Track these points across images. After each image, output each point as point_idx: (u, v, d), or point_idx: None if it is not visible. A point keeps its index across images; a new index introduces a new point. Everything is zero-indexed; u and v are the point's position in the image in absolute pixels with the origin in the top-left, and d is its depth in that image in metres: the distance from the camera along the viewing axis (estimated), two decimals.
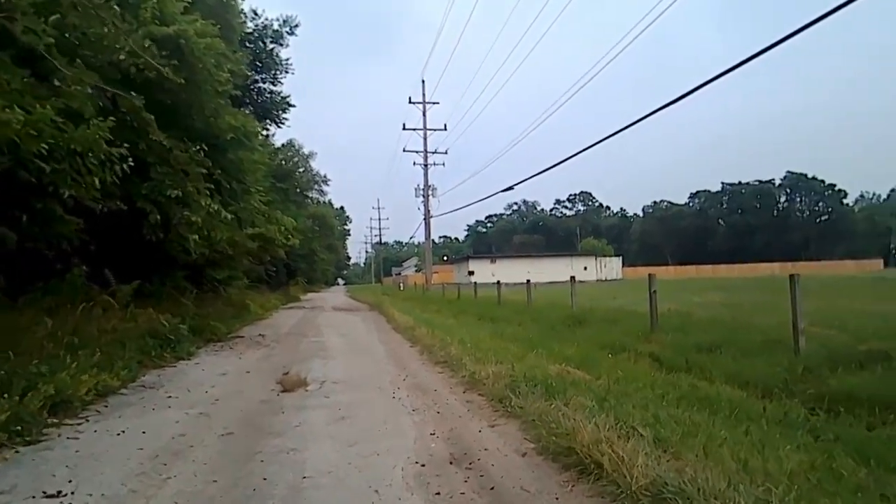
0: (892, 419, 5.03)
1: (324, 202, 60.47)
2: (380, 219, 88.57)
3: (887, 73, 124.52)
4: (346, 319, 19.05)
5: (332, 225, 59.99)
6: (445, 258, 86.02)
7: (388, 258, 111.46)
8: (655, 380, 6.51)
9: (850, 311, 10.86)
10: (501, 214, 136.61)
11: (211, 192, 11.76)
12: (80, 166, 7.63)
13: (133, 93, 10.11)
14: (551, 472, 3.72)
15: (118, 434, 4.83)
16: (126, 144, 8.16)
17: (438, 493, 3.40)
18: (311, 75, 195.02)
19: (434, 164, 37.16)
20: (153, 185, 10.61)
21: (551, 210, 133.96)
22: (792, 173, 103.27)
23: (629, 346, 9.54)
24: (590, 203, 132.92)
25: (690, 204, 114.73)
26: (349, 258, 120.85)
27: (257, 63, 29.14)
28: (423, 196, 37.25)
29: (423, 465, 3.89)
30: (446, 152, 37.31)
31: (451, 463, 3.94)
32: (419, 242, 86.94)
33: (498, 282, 21.50)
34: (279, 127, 31.53)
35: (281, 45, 29.68)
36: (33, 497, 3.44)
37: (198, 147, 10.87)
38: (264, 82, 30.77)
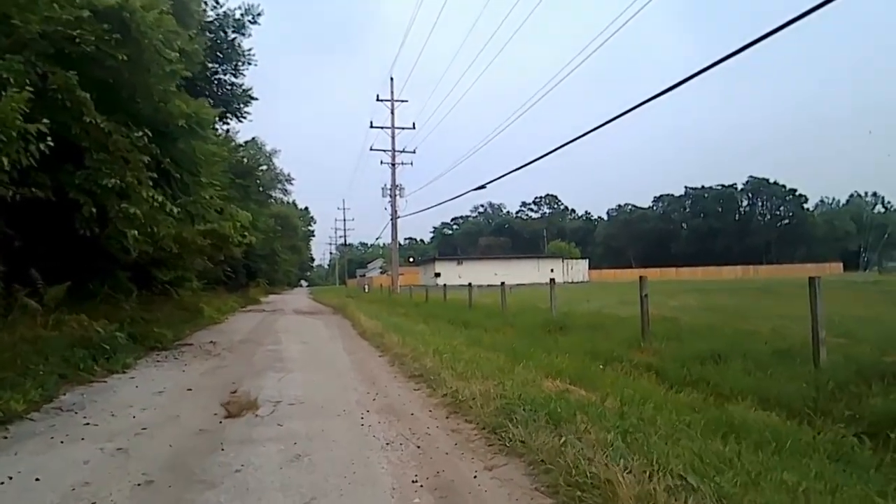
0: None
1: (288, 202, 58.74)
2: (345, 220, 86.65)
3: (849, 82, 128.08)
4: (308, 324, 17.82)
5: (295, 225, 58.30)
6: (412, 259, 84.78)
7: (352, 260, 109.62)
8: (667, 399, 5.64)
9: (848, 317, 10.23)
10: (467, 216, 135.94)
11: (156, 183, 10.51)
12: None
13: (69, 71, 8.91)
14: None
15: (0, 483, 3.69)
16: (45, 120, 6.91)
17: None
18: (275, 75, 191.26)
19: (402, 163, 36.12)
20: (88, 174, 9.33)
21: (517, 212, 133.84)
22: (754, 178, 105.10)
23: (621, 356, 8.70)
24: (555, 206, 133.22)
25: (654, 207, 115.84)
26: (313, 259, 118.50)
27: (218, 53, 27.74)
28: (391, 195, 36.16)
29: None
30: (414, 151, 36.24)
31: None
32: (384, 244, 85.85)
33: (469, 284, 20.54)
34: (240, 121, 30.21)
35: (243, 34, 28.27)
36: None
37: (140, 133, 9.60)
38: (225, 73, 29.37)
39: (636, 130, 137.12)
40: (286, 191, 54.48)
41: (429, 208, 54.37)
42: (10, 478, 3.78)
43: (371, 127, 35.88)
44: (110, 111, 9.88)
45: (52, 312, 8.76)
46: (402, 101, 35.88)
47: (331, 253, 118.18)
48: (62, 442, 4.66)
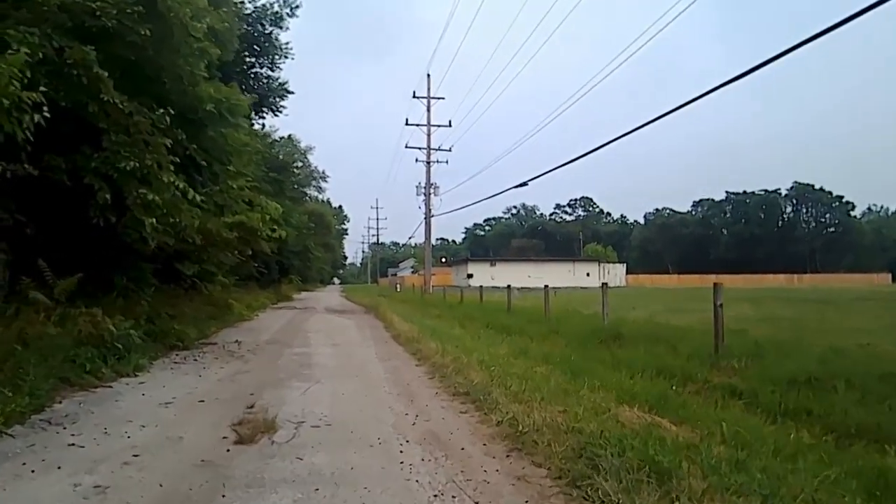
0: None
1: (322, 200, 58.50)
2: (377, 219, 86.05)
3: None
4: (339, 324, 16.95)
5: (329, 223, 57.93)
6: (444, 260, 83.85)
7: (384, 259, 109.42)
8: (782, 441, 4.49)
9: None
10: (500, 217, 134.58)
11: (181, 170, 9.72)
12: None
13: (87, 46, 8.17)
14: None
15: None
16: (43, 88, 6.10)
17: None
18: (309, 75, 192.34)
19: (437, 161, 35.28)
20: (105, 157, 8.56)
21: (551, 214, 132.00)
22: (799, 183, 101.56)
23: (694, 375, 7.57)
24: (590, 208, 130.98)
25: (693, 212, 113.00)
26: (346, 258, 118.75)
27: (255, 46, 27.36)
28: (425, 193, 35.32)
29: None
30: (450, 149, 35.32)
31: None
32: (416, 244, 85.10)
33: (508, 286, 19.49)
34: (276, 115, 29.79)
35: (280, 27, 27.77)
36: None
37: (162, 111, 8.80)
38: (261, 67, 28.98)
39: (676, 133, 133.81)
40: (321, 188, 54.45)
41: (464, 207, 53.11)
42: None
43: (407, 124, 35.23)
44: (134, 92, 9.13)
45: (63, 307, 8.01)
46: (439, 98, 35.22)
47: (363, 252, 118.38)
48: (33, 471, 3.77)
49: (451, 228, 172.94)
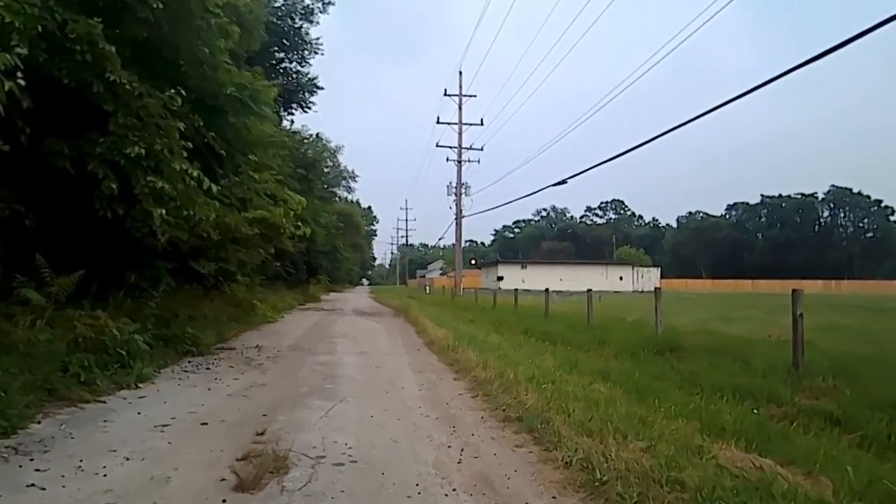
0: None
1: (351, 200, 57.95)
2: (407, 220, 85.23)
3: None
4: (368, 328, 15.98)
5: (358, 224, 57.26)
6: (473, 262, 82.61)
7: (413, 260, 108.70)
8: None
9: None
10: (529, 220, 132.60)
11: (194, 157, 8.84)
12: None
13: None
14: None
15: None
16: (20, 50, 5.23)
17: None
18: (339, 76, 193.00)
19: (468, 160, 34.30)
20: (112, 142, 7.71)
21: (581, 217, 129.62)
22: (836, 187, 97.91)
23: (777, 397, 6.39)
24: (621, 211, 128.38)
25: (727, 216, 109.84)
26: (374, 259, 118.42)
27: (284, 41, 26.82)
28: (456, 193, 34.35)
29: None
30: (482, 148, 34.30)
31: None
32: (445, 245, 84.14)
33: (547, 289, 18.33)
34: (305, 111, 29.23)
35: (311, 22, 27.15)
36: None
37: (173, 91, 7.93)
38: (291, 62, 28.47)
39: (709, 135, 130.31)
40: (350, 188, 53.91)
41: (496, 207, 51.58)
42: None
43: (438, 122, 34.39)
44: (148, 76, 8.29)
45: (59, 308, 7.17)
46: (471, 96, 34.31)
47: (392, 253, 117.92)
48: None
49: (479, 230, 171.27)
